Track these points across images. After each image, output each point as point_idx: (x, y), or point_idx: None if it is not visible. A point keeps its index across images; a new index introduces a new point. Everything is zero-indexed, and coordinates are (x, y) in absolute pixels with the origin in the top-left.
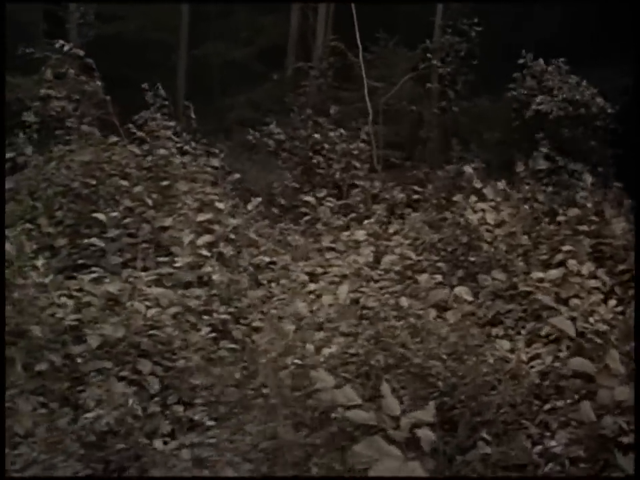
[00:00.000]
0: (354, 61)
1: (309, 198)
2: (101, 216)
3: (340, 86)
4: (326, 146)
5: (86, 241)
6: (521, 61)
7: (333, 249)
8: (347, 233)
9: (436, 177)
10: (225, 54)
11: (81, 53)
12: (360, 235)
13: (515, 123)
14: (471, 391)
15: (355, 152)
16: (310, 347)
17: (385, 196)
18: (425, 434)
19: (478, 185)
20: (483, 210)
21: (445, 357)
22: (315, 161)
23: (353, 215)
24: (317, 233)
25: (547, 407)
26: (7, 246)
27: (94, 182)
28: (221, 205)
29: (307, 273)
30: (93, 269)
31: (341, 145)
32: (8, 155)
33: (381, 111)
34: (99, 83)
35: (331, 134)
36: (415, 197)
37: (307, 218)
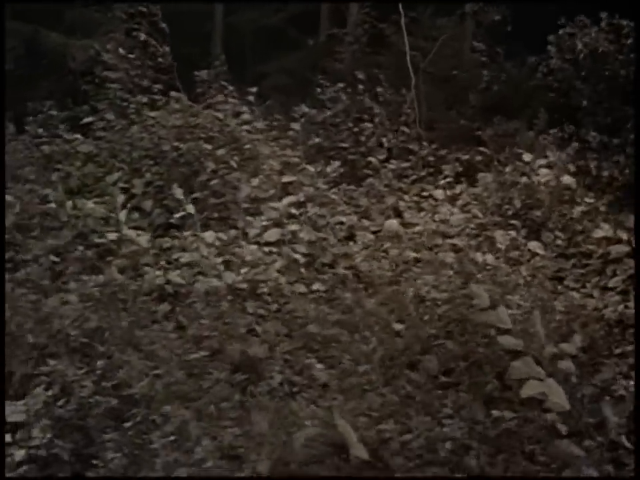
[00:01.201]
0: (390, 27)
1: (372, 159)
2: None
3: (376, 52)
4: (374, 110)
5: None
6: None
7: (402, 209)
8: (413, 193)
9: (493, 138)
10: (258, 20)
11: (158, 12)
12: (432, 194)
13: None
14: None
15: (403, 117)
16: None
17: (440, 157)
18: (567, 365)
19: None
20: (547, 169)
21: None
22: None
23: (414, 177)
24: (380, 195)
25: (618, 351)
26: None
27: (181, 145)
28: (310, 168)
29: (385, 231)
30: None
31: (387, 109)
32: (88, 120)
33: (422, 76)
34: (167, 48)
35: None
36: (477, 158)
37: (369, 180)
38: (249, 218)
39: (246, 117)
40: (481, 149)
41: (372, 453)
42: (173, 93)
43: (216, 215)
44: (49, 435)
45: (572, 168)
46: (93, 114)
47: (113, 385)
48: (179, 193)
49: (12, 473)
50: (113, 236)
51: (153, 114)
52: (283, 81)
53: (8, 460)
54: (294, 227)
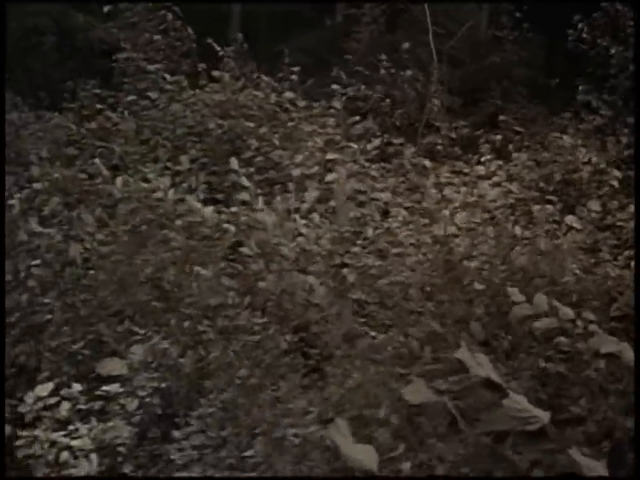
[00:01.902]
0: (410, 7)
1: (395, 140)
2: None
3: (394, 32)
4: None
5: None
6: None
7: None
8: (449, 170)
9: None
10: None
11: None
12: (469, 171)
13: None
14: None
15: (432, 98)
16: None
17: (469, 137)
18: None
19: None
20: (581, 147)
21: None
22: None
23: (445, 155)
24: (415, 172)
25: None
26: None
27: (225, 122)
28: (352, 145)
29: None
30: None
31: (412, 88)
32: (129, 98)
33: (445, 57)
34: (190, 31)
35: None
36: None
37: (397, 160)
38: (293, 194)
39: (289, 95)
40: (517, 128)
41: None
42: (215, 72)
43: (259, 191)
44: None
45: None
46: (134, 93)
47: None
48: (234, 163)
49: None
50: (171, 208)
51: (192, 92)
52: (300, 60)
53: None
54: (336, 203)
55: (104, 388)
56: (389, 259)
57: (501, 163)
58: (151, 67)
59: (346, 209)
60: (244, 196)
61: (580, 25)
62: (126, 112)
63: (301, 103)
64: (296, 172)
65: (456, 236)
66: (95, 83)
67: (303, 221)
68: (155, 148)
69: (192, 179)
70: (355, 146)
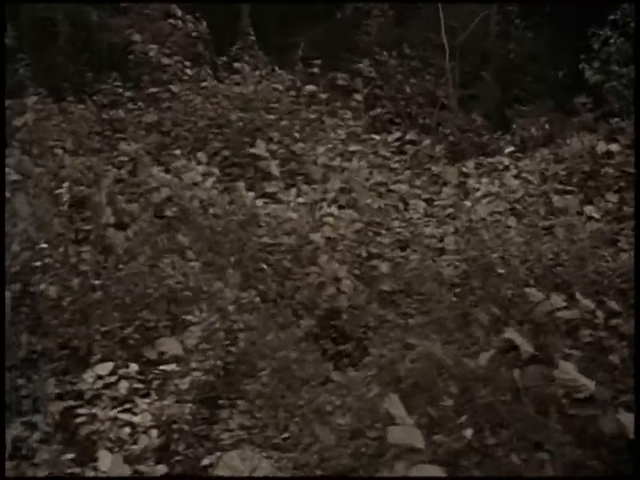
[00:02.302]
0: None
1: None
2: (259, 148)
3: (403, 25)
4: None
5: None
6: None
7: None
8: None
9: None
10: None
11: None
12: (493, 162)
13: None
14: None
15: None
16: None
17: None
18: None
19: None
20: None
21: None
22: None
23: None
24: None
25: None
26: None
27: (245, 115)
28: (373, 136)
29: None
30: None
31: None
32: (152, 90)
33: (458, 51)
34: (205, 23)
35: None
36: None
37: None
38: (317, 185)
39: (310, 88)
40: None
41: None
42: (236, 64)
43: (279, 184)
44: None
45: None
46: (154, 85)
47: None
48: (262, 148)
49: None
50: (204, 196)
51: (212, 85)
52: (310, 53)
53: (172, 388)
54: (358, 194)
55: (161, 367)
56: (412, 248)
57: (520, 154)
58: (169, 60)
59: (367, 199)
60: (272, 187)
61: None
62: (142, 104)
63: (323, 96)
64: (318, 164)
65: (476, 227)
66: (115, 75)
67: (327, 210)
68: (176, 139)
69: (214, 169)
70: (377, 137)
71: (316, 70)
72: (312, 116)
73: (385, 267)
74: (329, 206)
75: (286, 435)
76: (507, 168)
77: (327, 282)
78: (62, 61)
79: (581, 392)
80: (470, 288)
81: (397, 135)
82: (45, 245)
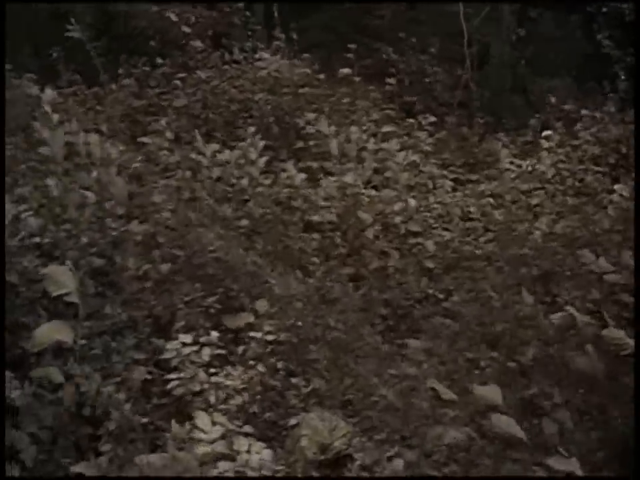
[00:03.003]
0: None
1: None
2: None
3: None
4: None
5: None
6: None
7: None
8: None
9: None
10: None
11: None
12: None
13: None
14: None
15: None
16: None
17: None
18: None
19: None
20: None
21: None
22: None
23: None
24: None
25: None
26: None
27: (276, 98)
28: (409, 120)
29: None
30: None
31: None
32: (180, 75)
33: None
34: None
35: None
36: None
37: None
38: (350, 165)
39: (345, 70)
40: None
41: None
42: (259, 53)
43: (315, 165)
44: None
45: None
46: (183, 70)
47: None
48: (324, 124)
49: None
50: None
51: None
52: (322, 37)
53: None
54: (391, 174)
55: (239, 335)
56: (447, 226)
57: (550, 132)
58: (198, 44)
59: (403, 179)
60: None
61: None
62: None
63: (357, 79)
64: (352, 145)
65: (509, 205)
66: (144, 60)
67: (364, 192)
68: (206, 122)
69: (252, 151)
70: (412, 120)
71: (351, 55)
72: (345, 100)
73: (428, 244)
74: (365, 186)
75: (352, 399)
76: (538, 146)
77: (375, 257)
78: (92, 46)
79: (625, 350)
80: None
81: (432, 118)
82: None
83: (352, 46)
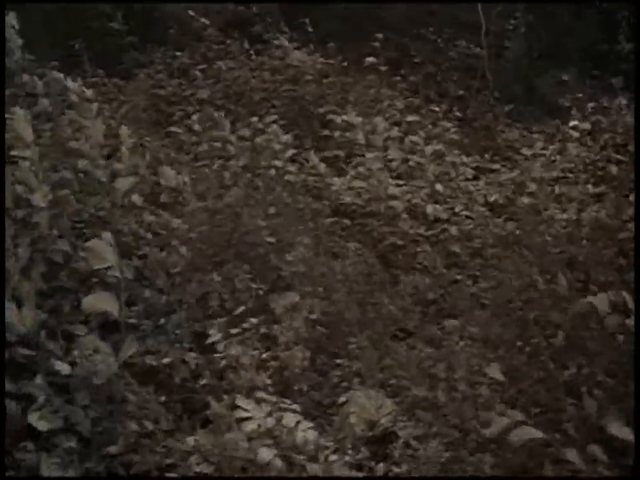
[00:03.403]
0: None
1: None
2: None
3: None
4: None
5: None
6: None
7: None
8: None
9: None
10: None
11: None
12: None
13: None
14: None
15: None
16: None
17: None
18: None
19: None
20: None
21: None
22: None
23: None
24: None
25: None
26: None
27: (300, 88)
28: (433, 108)
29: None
30: None
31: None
32: (201, 66)
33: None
34: None
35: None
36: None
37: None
38: (375, 154)
39: (371, 60)
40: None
41: None
42: (280, 41)
43: (341, 154)
44: None
45: None
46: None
47: None
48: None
49: None
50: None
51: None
52: (336, 27)
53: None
54: (416, 163)
55: (285, 315)
56: (470, 213)
57: (575, 122)
58: (218, 35)
59: (427, 167)
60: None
61: None
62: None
63: (383, 68)
64: (378, 134)
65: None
66: (168, 52)
67: (390, 181)
68: (229, 112)
69: (276, 140)
70: (437, 109)
71: (377, 44)
72: (373, 89)
73: (454, 231)
74: (391, 174)
75: (393, 380)
76: (559, 135)
77: (404, 243)
78: (111, 38)
79: None
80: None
81: (455, 108)
82: None
83: (378, 35)
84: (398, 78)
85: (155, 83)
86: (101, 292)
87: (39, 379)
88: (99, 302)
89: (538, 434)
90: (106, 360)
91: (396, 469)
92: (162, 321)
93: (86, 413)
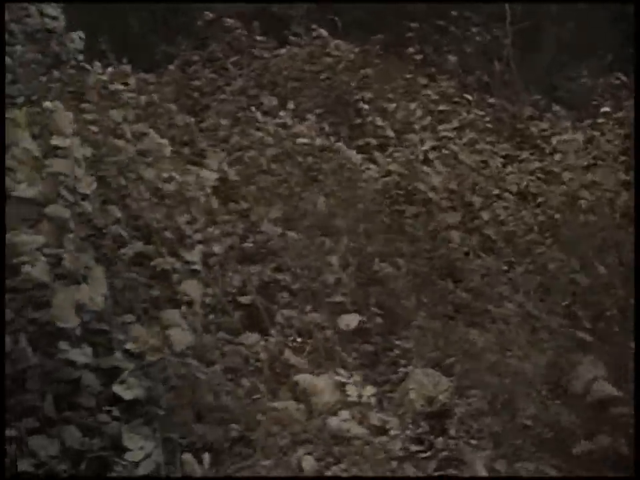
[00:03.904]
0: None
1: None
2: None
3: None
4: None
5: None
6: None
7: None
8: None
9: None
10: None
11: None
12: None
13: None
14: None
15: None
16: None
17: None
18: None
19: None
20: None
21: None
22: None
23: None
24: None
25: None
26: None
27: (334, 76)
28: (466, 96)
29: None
30: None
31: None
32: (233, 59)
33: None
34: None
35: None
36: None
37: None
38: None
39: (405, 49)
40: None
41: None
42: (317, 31)
43: (375, 142)
44: None
45: None
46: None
47: None
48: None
49: None
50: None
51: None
52: (359, 17)
53: None
54: (450, 151)
55: None
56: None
57: (606, 109)
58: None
59: (461, 156)
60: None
61: None
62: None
63: (418, 57)
64: (412, 122)
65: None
66: (194, 40)
67: (425, 168)
68: (263, 101)
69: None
70: (469, 97)
71: (411, 34)
72: (409, 75)
73: (487, 217)
74: (425, 162)
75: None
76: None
77: (440, 231)
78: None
79: None
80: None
81: (487, 96)
82: None
83: (413, 24)
84: (431, 67)
85: (187, 75)
86: None
87: (117, 354)
88: None
89: None
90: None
91: (453, 443)
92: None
93: (165, 385)
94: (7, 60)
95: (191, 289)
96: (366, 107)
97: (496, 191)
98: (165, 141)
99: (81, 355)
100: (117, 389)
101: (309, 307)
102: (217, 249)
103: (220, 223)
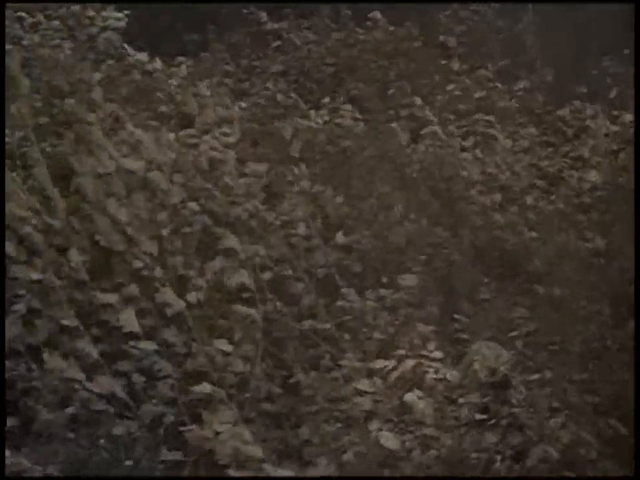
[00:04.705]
0: None
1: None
2: None
3: None
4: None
5: None
6: None
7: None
8: None
9: None
10: None
11: None
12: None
13: None
14: None
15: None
16: None
17: None
18: None
19: None
20: None
21: None
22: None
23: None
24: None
25: None
26: None
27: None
28: (499, 85)
29: None
30: None
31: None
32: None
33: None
34: None
35: None
36: None
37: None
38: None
39: (441, 38)
40: None
41: None
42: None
43: (415, 127)
44: None
45: None
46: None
47: None
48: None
49: None
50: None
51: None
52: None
53: None
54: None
55: None
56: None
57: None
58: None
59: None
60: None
61: None
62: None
63: (452, 44)
64: (448, 110)
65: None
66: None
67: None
68: (304, 87)
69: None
70: (500, 86)
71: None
72: (444, 61)
73: (523, 203)
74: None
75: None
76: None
77: (479, 214)
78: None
79: None
80: None
81: (522, 84)
82: None
83: (446, 12)
84: (467, 55)
85: (224, 60)
86: None
87: None
88: None
89: None
90: None
91: (514, 410)
92: None
93: None
94: None
95: None
96: (405, 92)
97: (528, 176)
98: None
99: None
100: None
101: None
102: None
103: None
